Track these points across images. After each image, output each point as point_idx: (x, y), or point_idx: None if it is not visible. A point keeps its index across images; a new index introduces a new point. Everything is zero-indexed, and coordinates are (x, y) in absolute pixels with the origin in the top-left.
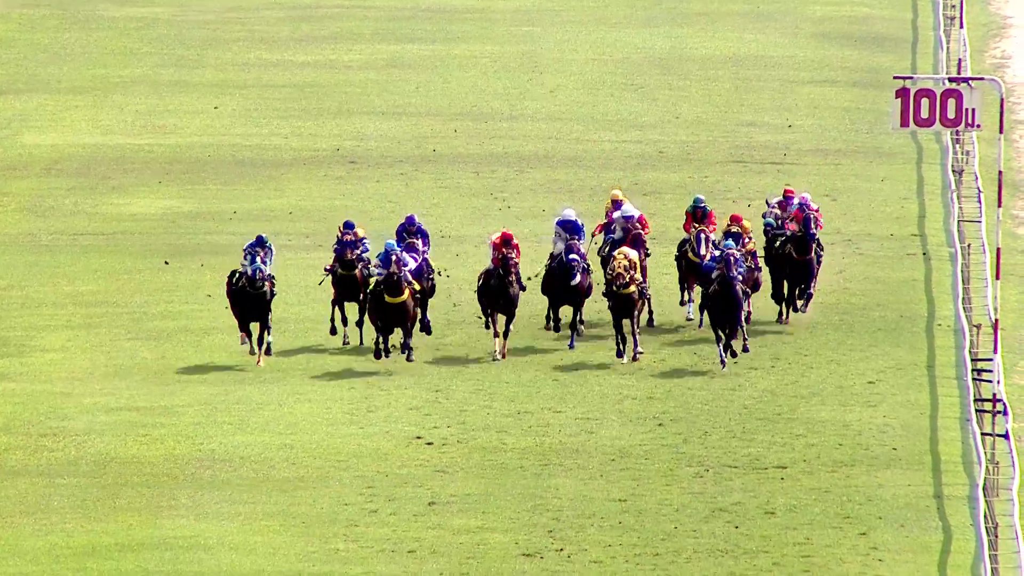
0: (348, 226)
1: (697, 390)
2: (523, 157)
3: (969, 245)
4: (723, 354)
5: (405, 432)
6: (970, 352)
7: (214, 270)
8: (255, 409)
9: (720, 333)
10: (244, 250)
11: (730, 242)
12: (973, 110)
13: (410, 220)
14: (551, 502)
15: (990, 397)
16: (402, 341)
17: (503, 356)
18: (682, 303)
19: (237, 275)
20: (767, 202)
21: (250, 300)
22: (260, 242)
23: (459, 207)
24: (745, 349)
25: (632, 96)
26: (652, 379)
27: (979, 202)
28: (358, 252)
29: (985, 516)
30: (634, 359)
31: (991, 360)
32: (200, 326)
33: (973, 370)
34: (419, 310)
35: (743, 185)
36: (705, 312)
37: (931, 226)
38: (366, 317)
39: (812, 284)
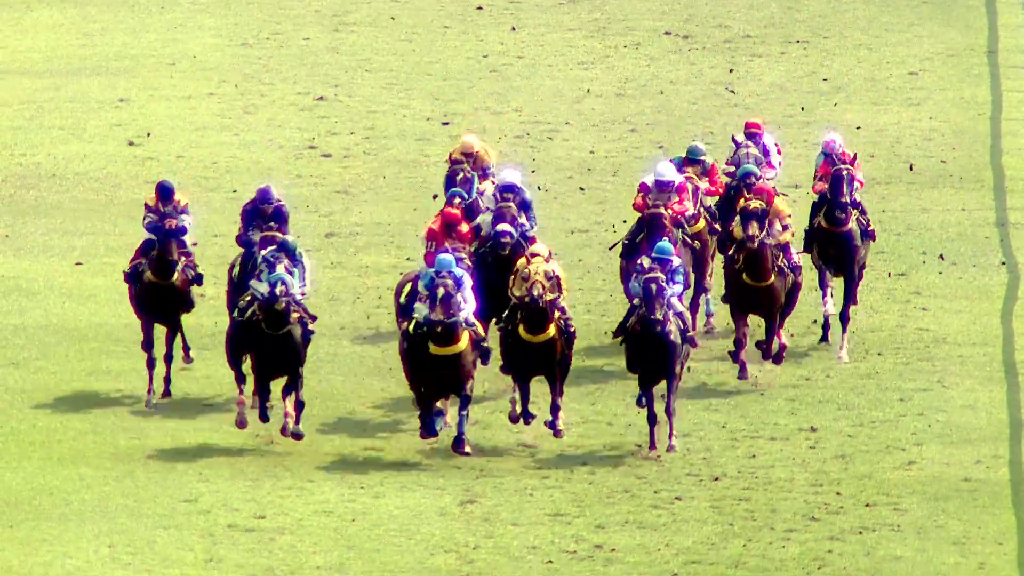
0: (164, 191)
1: None
2: None
3: None
4: (653, 433)
5: (294, 139)
6: None
7: None
8: (95, 109)
9: (645, 396)
10: (262, 258)
11: (666, 244)
12: None
13: (264, 195)
14: None
15: None
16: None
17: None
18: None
19: (248, 300)
20: (733, 140)
21: (270, 341)
22: (283, 246)
23: None
24: (670, 436)
25: None
26: None
27: None
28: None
29: None
30: (555, 432)
31: None
32: None
33: None
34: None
35: None
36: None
37: None
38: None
39: (857, 273)
